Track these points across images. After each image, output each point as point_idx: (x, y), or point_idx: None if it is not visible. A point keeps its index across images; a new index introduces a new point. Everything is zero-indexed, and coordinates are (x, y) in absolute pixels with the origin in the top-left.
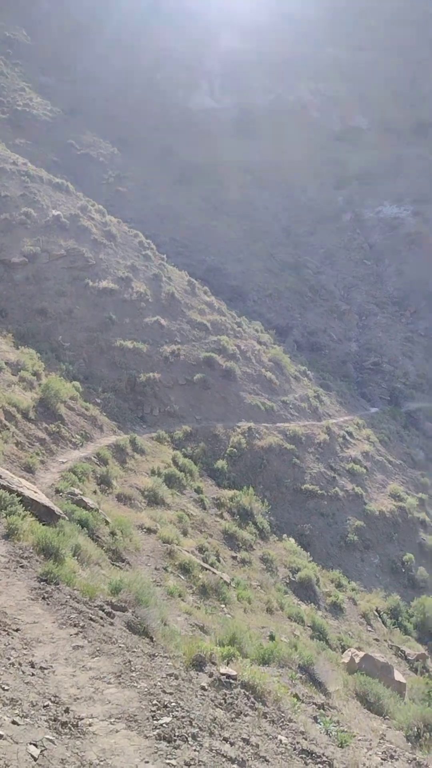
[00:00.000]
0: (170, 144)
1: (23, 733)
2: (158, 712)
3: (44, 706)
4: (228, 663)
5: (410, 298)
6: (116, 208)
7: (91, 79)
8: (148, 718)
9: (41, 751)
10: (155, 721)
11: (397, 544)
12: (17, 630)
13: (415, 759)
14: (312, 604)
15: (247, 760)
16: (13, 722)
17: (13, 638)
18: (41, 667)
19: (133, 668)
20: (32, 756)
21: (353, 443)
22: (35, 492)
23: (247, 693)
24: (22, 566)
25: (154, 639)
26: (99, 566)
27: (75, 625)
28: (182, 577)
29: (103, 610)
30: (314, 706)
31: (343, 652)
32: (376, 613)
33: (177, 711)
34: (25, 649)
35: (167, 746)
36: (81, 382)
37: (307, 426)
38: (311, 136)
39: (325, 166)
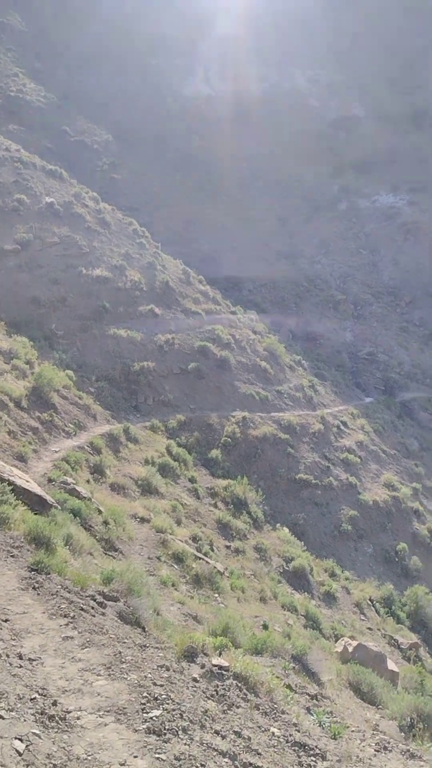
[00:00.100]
0: (165, 131)
1: (8, 728)
2: (148, 704)
3: (31, 699)
4: (220, 654)
5: (406, 288)
6: (110, 196)
7: (86, 66)
8: (137, 711)
9: (27, 746)
10: (145, 714)
11: (390, 534)
12: (6, 620)
13: (408, 750)
14: (305, 593)
15: (239, 754)
16: None
17: (1, 629)
18: (29, 659)
19: (123, 660)
20: (17, 751)
21: (348, 433)
22: (27, 481)
23: (239, 684)
24: (12, 556)
25: (146, 629)
26: (91, 556)
27: (65, 616)
28: (176, 566)
29: (94, 600)
30: (307, 696)
31: (336, 641)
32: (369, 603)
33: (167, 703)
34: (14, 640)
35: (157, 740)
36: (74, 370)
37: (301, 416)
38: (307, 124)
39: (320, 155)
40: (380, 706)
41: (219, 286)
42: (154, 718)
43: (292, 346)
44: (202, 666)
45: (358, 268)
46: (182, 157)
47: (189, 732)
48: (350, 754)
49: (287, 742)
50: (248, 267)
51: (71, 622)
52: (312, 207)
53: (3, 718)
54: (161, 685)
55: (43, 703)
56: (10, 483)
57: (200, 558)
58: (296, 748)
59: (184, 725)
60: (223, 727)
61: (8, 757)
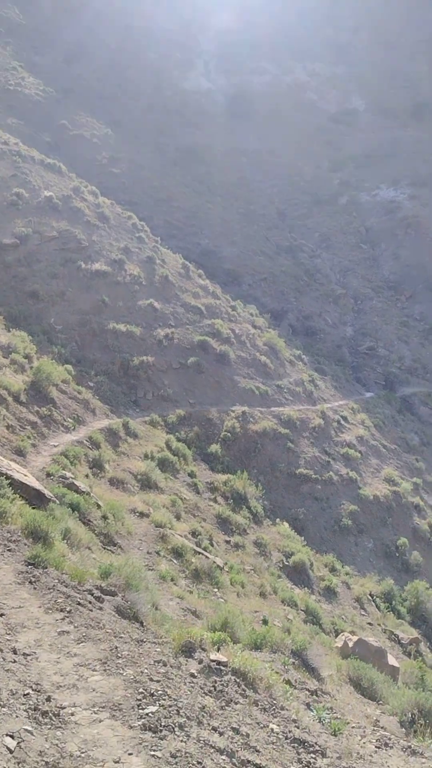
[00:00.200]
0: (165, 125)
1: (0, 724)
2: (144, 700)
3: (24, 695)
4: (219, 649)
5: (406, 282)
6: (109, 190)
7: (85, 59)
8: (133, 707)
9: (18, 742)
10: (141, 710)
11: (391, 529)
12: (1, 615)
13: (410, 747)
14: (305, 588)
15: (237, 751)
16: None
17: None
18: (24, 654)
19: (119, 655)
20: (8, 748)
21: (348, 428)
22: (25, 475)
23: (237, 680)
24: (9, 550)
25: (144, 624)
26: (89, 550)
27: (62, 610)
28: (175, 561)
29: (92, 595)
30: (307, 692)
31: (336, 637)
32: (369, 598)
33: (164, 699)
34: (9, 634)
35: (152, 737)
36: (73, 365)
37: (301, 410)
38: (307, 118)
39: (321, 149)
40: (381, 702)
41: (219, 281)
42: (150, 714)
43: (292, 341)
44: (200, 661)
45: (359, 262)
46: (182, 151)
47: (186, 728)
48: (351, 751)
49: (286, 738)
50: (248, 261)
51: (67, 617)
52: (312, 201)
53: None
54: (158, 681)
55: (37, 699)
56: (7, 477)
57: (200, 553)
58: (296, 745)
59: (180, 722)
60: (220, 724)
61: None
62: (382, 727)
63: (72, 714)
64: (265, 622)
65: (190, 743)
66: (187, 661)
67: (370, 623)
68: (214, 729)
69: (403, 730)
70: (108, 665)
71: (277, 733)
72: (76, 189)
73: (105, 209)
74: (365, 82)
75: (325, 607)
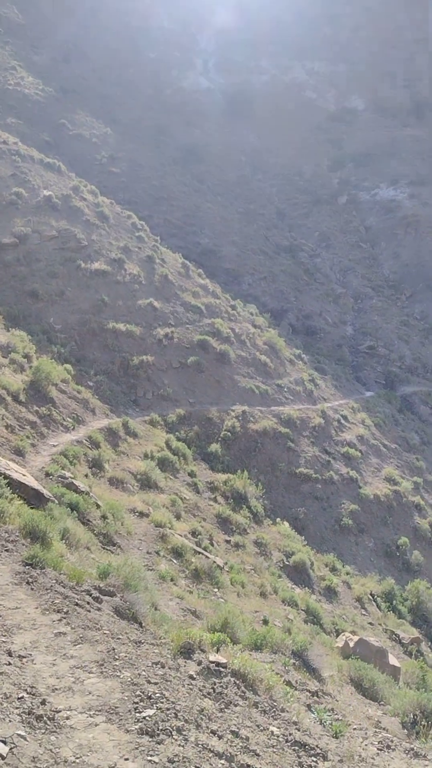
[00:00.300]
0: (164, 124)
1: None
2: (141, 703)
3: (18, 698)
4: (218, 650)
5: (406, 281)
6: (109, 189)
7: (84, 59)
8: (130, 711)
9: (11, 748)
10: (138, 714)
11: (391, 528)
12: None
13: (412, 749)
14: (306, 588)
15: (236, 755)
16: None
17: None
18: (19, 656)
19: (116, 656)
20: (0, 755)
21: (348, 427)
22: (24, 475)
23: (237, 682)
24: (7, 550)
25: (143, 624)
26: (88, 550)
27: (59, 611)
28: (175, 561)
29: (90, 595)
30: (308, 693)
31: (337, 637)
32: (370, 597)
33: (162, 702)
34: (4, 636)
35: (149, 741)
36: (73, 364)
37: (301, 410)
38: (306, 117)
39: (320, 148)
40: (382, 702)
41: (218, 280)
42: (147, 717)
43: (292, 340)
44: (199, 663)
45: (359, 261)
46: (181, 150)
47: (184, 732)
48: (352, 754)
49: (287, 741)
50: (248, 260)
51: (64, 618)
52: (312, 200)
53: None
54: (155, 683)
55: (31, 703)
56: (6, 477)
57: (200, 552)
58: (296, 748)
59: (178, 725)
60: (219, 727)
61: None
62: (384, 729)
63: (67, 718)
64: (265, 622)
65: (188, 747)
66: (185, 662)
67: (370, 623)
68: (213, 732)
69: (405, 731)
70: (105, 667)
71: (278, 736)
72: (75, 188)
73: (104, 208)
74: (364, 80)
75: (325, 606)
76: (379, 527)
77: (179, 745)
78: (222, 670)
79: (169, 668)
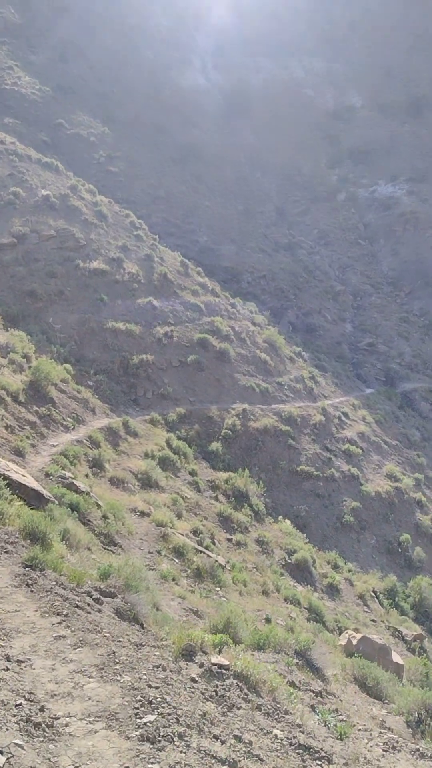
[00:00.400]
0: (162, 123)
1: None
2: (142, 709)
3: (17, 705)
4: (220, 651)
5: (405, 278)
6: (107, 188)
7: (81, 58)
8: (130, 717)
9: (8, 758)
10: (138, 720)
11: (393, 525)
12: None
13: (418, 750)
14: (308, 585)
15: (239, 760)
16: None
17: None
18: (18, 661)
19: (117, 660)
20: None
21: (349, 424)
22: (23, 475)
23: (240, 684)
24: (6, 552)
25: (144, 626)
26: (89, 551)
27: (58, 614)
28: (176, 560)
29: (90, 597)
30: (311, 693)
31: (340, 634)
32: (372, 594)
33: (163, 707)
34: (3, 640)
35: (150, 748)
36: (72, 364)
37: (302, 407)
38: (304, 115)
39: (318, 145)
40: (386, 701)
41: (218, 278)
42: (148, 723)
43: (292, 338)
44: (201, 665)
45: (358, 258)
46: (179, 149)
47: (185, 738)
48: (357, 756)
49: (291, 745)
50: (247, 258)
51: (64, 620)
52: (310, 197)
53: None
54: (157, 687)
55: (30, 709)
56: (5, 478)
57: (201, 551)
58: (300, 751)
59: (180, 731)
60: (222, 731)
61: None
62: (388, 729)
63: (66, 725)
64: (268, 620)
65: (190, 754)
66: (187, 665)
67: (373, 620)
68: (216, 737)
69: (410, 730)
70: (105, 671)
71: (281, 739)
72: (73, 187)
73: (103, 208)
74: (362, 78)
75: (328, 604)
76: (380, 524)
77: (181, 751)
78: (224, 672)
79: (171, 671)
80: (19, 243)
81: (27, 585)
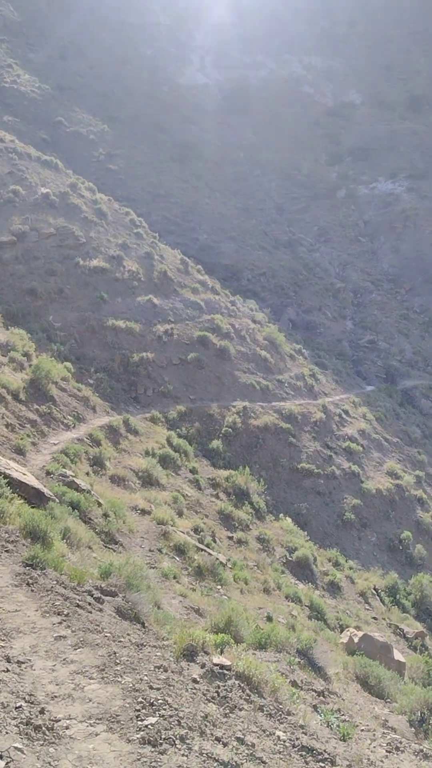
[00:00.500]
0: (161, 121)
1: None
2: (143, 711)
3: (16, 708)
4: (222, 651)
5: (405, 275)
6: (107, 186)
7: (80, 56)
8: (131, 719)
9: (7, 763)
10: (140, 722)
11: (394, 522)
12: None
13: (422, 750)
14: (309, 583)
15: (242, 763)
16: None
17: None
18: (18, 661)
19: (118, 660)
20: None
21: (349, 421)
22: (24, 474)
23: (242, 684)
24: (7, 551)
25: (145, 625)
26: (90, 549)
27: (59, 614)
28: (177, 558)
29: (91, 596)
30: (314, 693)
31: (341, 632)
32: (374, 592)
33: (164, 709)
34: (3, 641)
35: (152, 751)
36: (73, 362)
37: (302, 405)
38: (304, 112)
39: (318, 142)
40: (389, 700)
41: (218, 276)
42: (150, 726)
43: (292, 335)
44: (203, 665)
45: (358, 255)
46: (179, 147)
47: (187, 741)
48: (361, 757)
49: (294, 746)
50: (247, 256)
51: (65, 620)
52: (310, 195)
53: None
54: (158, 689)
55: (30, 712)
56: (6, 476)
57: (202, 549)
58: (303, 753)
59: (182, 733)
60: (224, 733)
61: None
62: (391, 729)
63: (67, 728)
64: (269, 618)
65: (191, 757)
66: (188, 665)
67: (374, 618)
68: (218, 739)
69: (413, 729)
70: (106, 672)
71: (284, 741)
72: (73, 185)
73: (102, 205)
74: (362, 75)
75: (329, 602)
76: (381, 521)
77: (183, 754)
78: (226, 672)
79: (172, 672)
80: (19, 241)
81: (27, 584)
